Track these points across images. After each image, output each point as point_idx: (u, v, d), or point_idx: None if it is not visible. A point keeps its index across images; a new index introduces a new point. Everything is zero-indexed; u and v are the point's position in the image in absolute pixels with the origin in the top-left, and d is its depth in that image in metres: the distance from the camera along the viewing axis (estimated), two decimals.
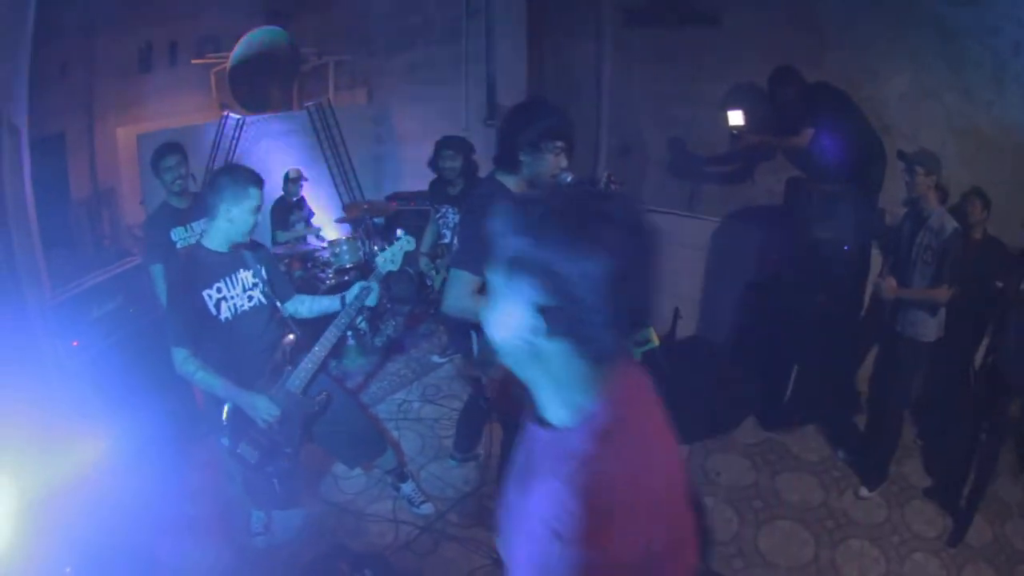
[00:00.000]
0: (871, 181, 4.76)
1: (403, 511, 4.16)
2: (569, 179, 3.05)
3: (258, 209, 3.14)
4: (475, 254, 2.95)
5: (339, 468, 4.41)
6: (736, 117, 5.04)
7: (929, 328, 3.90)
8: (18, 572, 2.66)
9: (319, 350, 3.28)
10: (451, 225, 5.08)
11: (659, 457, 1.39)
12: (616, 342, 1.30)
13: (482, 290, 2.95)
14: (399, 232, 4.46)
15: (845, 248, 4.69)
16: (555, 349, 1.27)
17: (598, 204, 1.25)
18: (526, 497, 1.38)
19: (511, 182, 3.07)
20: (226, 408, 3.20)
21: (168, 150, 4.28)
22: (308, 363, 3.28)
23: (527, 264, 1.23)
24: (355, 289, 3.35)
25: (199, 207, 4.14)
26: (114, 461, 3.31)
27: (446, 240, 5.11)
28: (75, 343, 4.16)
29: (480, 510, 4.16)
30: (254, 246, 3.38)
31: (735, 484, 4.44)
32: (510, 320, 1.29)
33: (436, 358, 5.87)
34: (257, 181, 3.15)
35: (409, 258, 5.02)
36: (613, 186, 3.64)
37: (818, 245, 4.60)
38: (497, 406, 3.32)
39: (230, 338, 3.17)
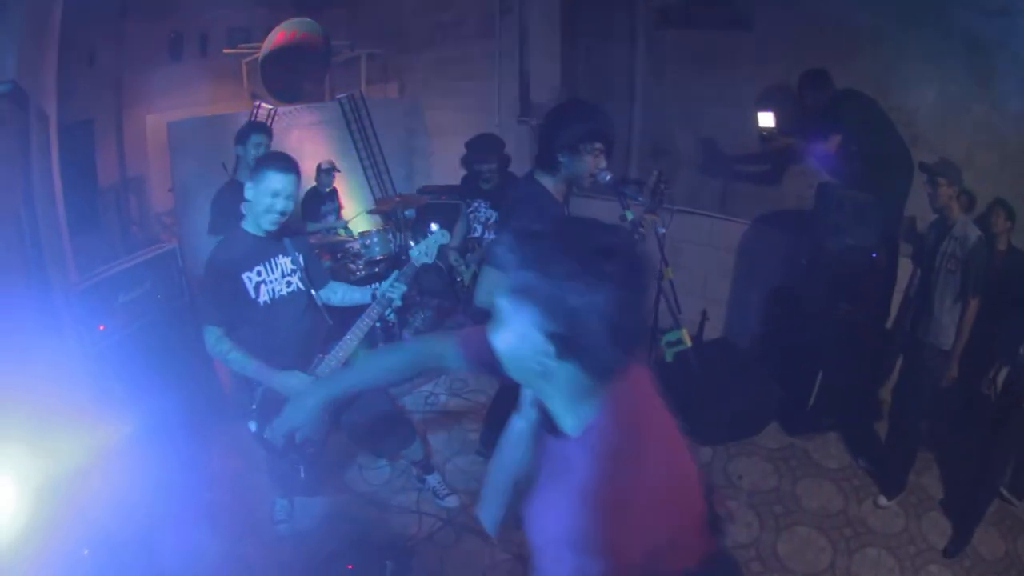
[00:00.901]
0: (897, 190, 4.72)
1: (427, 503, 4.18)
2: (608, 178, 3.07)
3: (276, 193, 3.10)
4: None
5: (364, 458, 4.45)
6: (767, 119, 5.03)
7: (952, 335, 3.89)
8: (37, 552, 2.68)
9: (351, 338, 3.28)
10: (483, 220, 5.07)
11: (660, 455, 1.52)
12: (618, 358, 1.39)
13: None
14: (433, 226, 4.48)
15: (873, 256, 4.66)
16: (562, 368, 1.36)
17: (601, 238, 1.35)
18: (544, 505, 1.49)
19: (550, 183, 3.10)
20: (259, 392, 3.21)
21: (258, 128, 4.68)
22: (339, 351, 3.28)
23: (534, 294, 1.31)
24: (385, 284, 3.36)
25: None
26: (136, 446, 3.33)
27: (476, 234, 5.09)
28: (101, 327, 4.19)
29: None
30: (292, 233, 3.40)
31: (757, 488, 4.44)
32: (520, 343, 1.37)
33: None
34: (278, 165, 3.13)
35: (439, 252, 5.06)
36: (663, 186, 3.65)
37: (846, 252, 4.57)
38: None
39: (266, 322, 3.19)
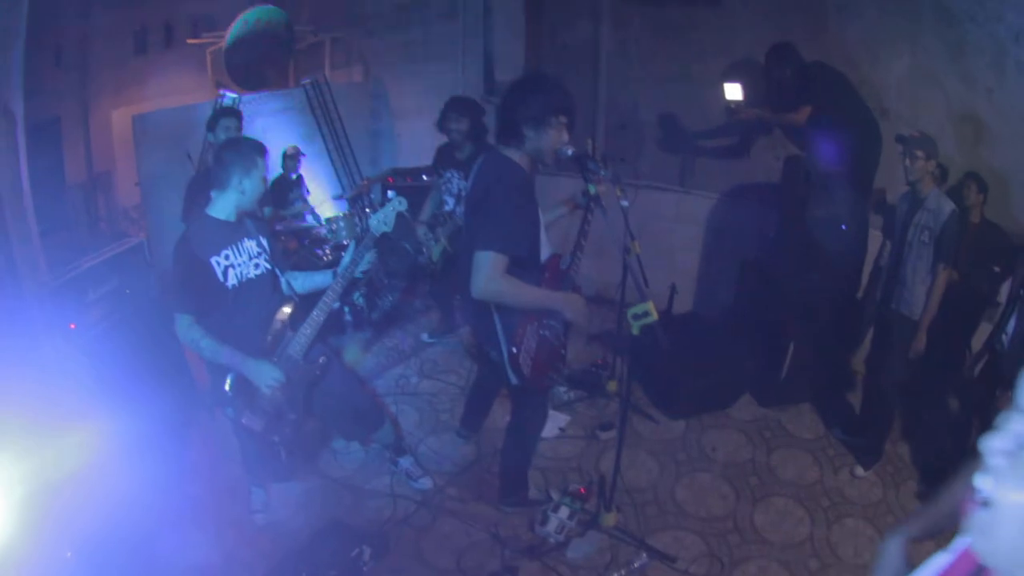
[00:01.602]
0: (866, 162, 4.75)
1: (401, 485, 4.18)
2: (570, 152, 3.06)
3: (263, 180, 3.21)
4: (502, 231, 2.97)
5: (338, 443, 4.45)
6: (734, 91, 5.00)
7: (918, 305, 3.92)
8: (19, 557, 2.67)
9: (317, 314, 3.30)
10: (455, 191, 4.96)
11: None
12: None
13: (509, 270, 2.97)
14: (390, 193, 4.40)
15: (843, 228, 4.70)
16: None
17: None
18: None
19: (516, 156, 3.08)
20: (229, 378, 3.21)
21: (228, 112, 4.68)
22: (307, 328, 3.30)
23: None
24: (347, 258, 3.37)
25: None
26: (112, 443, 3.31)
27: (448, 207, 5.00)
28: (72, 326, 4.16)
29: (478, 484, 4.19)
30: (254, 216, 3.42)
31: (731, 460, 4.48)
32: None
33: (425, 337, 5.79)
34: (262, 150, 3.23)
35: (405, 233, 4.99)
36: (596, 152, 3.66)
37: (815, 224, 4.61)
38: (529, 381, 3.31)
39: (236, 305, 3.20)
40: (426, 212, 5.19)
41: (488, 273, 2.92)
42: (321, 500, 4.06)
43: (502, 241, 2.92)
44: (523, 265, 3.04)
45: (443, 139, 5.06)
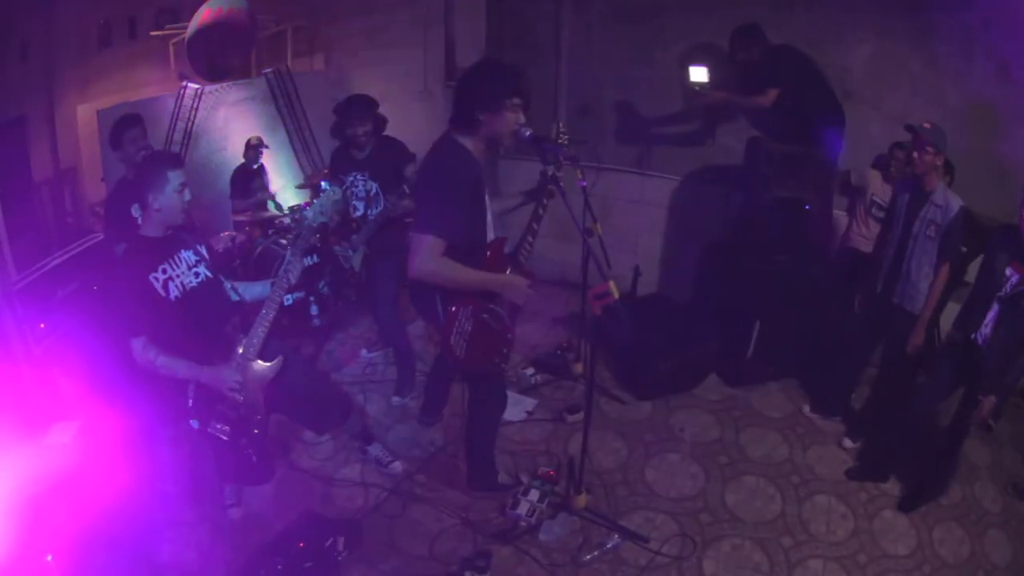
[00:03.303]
0: (830, 144, 4.78)
1: (372, 473, 4.20)
2: (528, 134, 3.07)
3: (183, 187, 3.13)
4: (440, 215, 2.97)
5: (308, 435, 4.43)
6: (699, 74, 5.01)
7: (922, 300, 3.96)
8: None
9: (267, 312, 3.29)
10: (362, 195, 4.60)
11: None
12: None
13: (447, 252, 2.98)
14: (323, 184, 4.29)
15: (806, 208, 4.74)
16: None
17: None
18: None
19: (468, 143, 3.08)
20: (190, 390, 3.20)
21: (128, 122, 4.24)
22: (259, 328, 3.29)
23: None
24: (286, 259, 3.39)
25: None
26: (86, 443, 3.30)
27: (359, 213, 4.63)
28: (42, 325, 4.13)
29: (448, 470, 4.21)
30: (188, 227, 3.39)
31: (699, 440, 4.52)
32: None
33: (365, 353, 5.53)
34: (175, 163, 3.17)
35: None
36: (562, 138, 3.66)
37: (778, 205, 4.65)
38: (464, 364, 3.35)
39: (183, 316, 3.16)
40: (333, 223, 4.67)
41: (422, 255, 2.94)
42: (293, 492, 4.06)
43: (437, 224, 2.94)
44: (464, 249, 3.06)
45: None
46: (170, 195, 3.09)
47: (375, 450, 4.20)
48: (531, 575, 3.57)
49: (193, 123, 6.22)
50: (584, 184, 3.40)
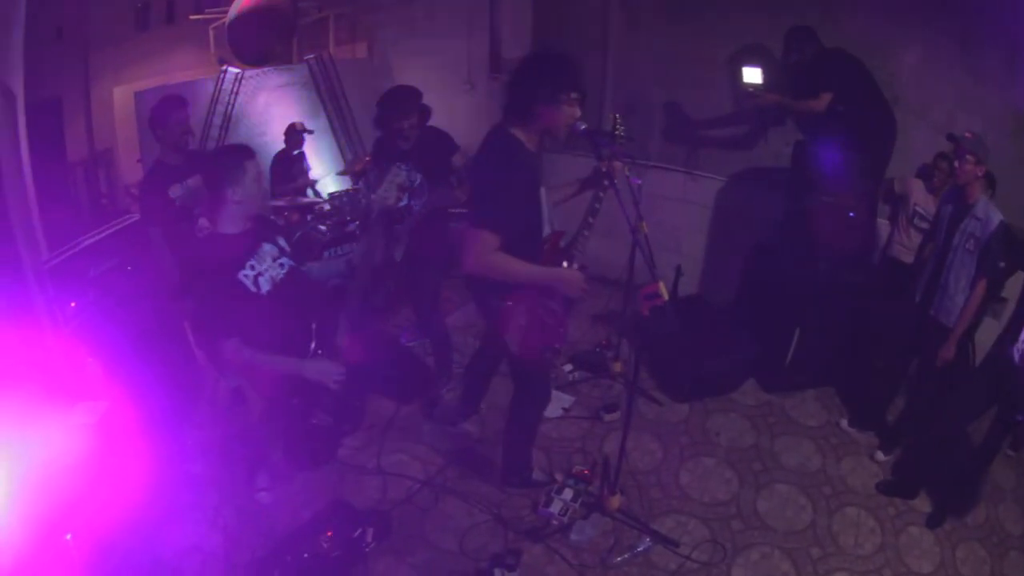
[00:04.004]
0: (879, 151, 4.70)
1: (405, 465, 4.18)
2: (583, 128, 3.02)
3: (260, 175, 3.12)
4: (496, 209, 2.94)
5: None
6: (753, 75, 4.93)
7: (956, 313, 3.88)
8: (18, 539, 2.64)
9: (351, 300, 3.27)
10: (406, 186, 4.41)
11: None
12: None
13: (504, 247, 2.94)
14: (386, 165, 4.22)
15: (850, 215, 4.66)
16: None
17: None
18: None
19: (522, 134, 3.03)
20: (291, 384, 3.18)
21: (172, 103, 4.23)
22: (345, 316, 3.27)
23: None
24: (360, 246, 3.34)
25: (193, 164, 4.15)
26: (114, 423, 3.28)
27: (402, 204, 4.51)
28: (72, 304, 4.12)
29: (482, 464, 4.18)
30: (263, 221, 3.36)
31: (735, 445, 4.47)
32: None
33: (404, 340, 5.47)
34: (248, 154, 3.12)
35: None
36: (619, 130, 3.59)
37: (823, 210, 4.57)
38: (519, 358, 3.31)
39: (275, 310, 3.13)
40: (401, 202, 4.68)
41: (477, 250, 2.92)
42: (325, 480, 4.02)
43: (493, 218, 2.91)
44: (520, 243, 3.01)
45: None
46: (249, 186, 3.04)
47: (440, 411, 4.29)
48: (560, 575, 3.53)
49: (233, 107, 6.25)
50: (639, 182, 3.33)
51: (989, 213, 3.70)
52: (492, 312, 3.24)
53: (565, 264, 3.25)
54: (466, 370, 4.50)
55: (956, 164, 3.74)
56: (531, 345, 3.27)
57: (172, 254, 4.12)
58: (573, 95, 2.96)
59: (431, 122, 4.76)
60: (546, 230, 3.23)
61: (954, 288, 3.86)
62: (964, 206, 3.81)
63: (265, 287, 3.10)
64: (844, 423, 4.64)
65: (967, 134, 3.71)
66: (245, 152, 3.12)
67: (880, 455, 4.35)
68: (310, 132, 6.23)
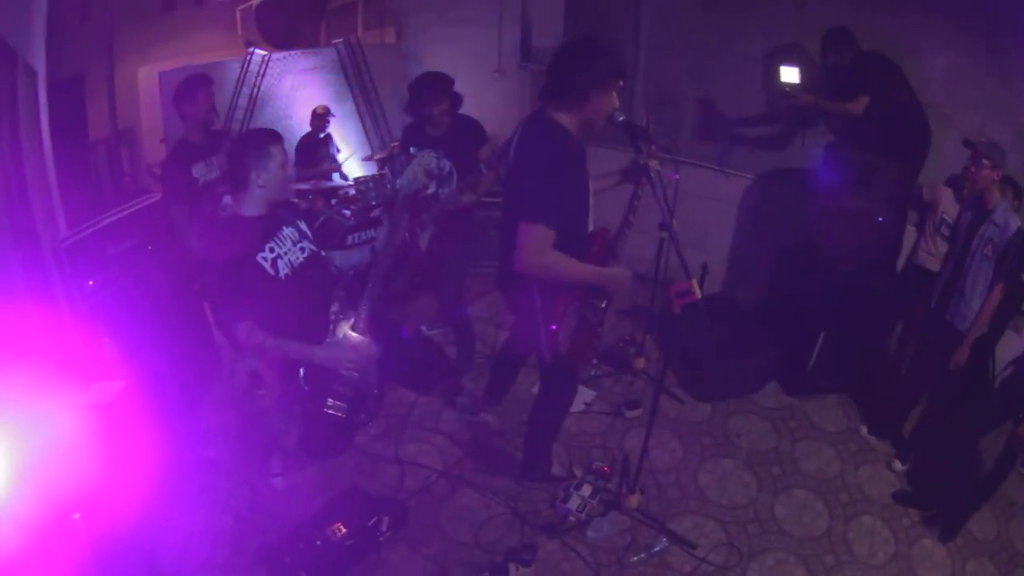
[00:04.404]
0: (913, 157, 4.64)
1: (423, 454, 4.18)
2: (621, 119, 2.95)
3: (285, 162, 3.09)
4: (550, 202, 2.84)
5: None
6: (790, 74, 4.87)
7: (971, 318, 3.84)
8: (27, 517, 2.61)
9: (372, 287, 3.23)
10: (435, 173, 4.33)
11: None
12: None
13: (556, 244, 2.85)
14: (412, 149, 4.16)
15: (879, 220, 4.60)
16: None
17: None
18: None
19: (566, 120, 2.94)
20: (301, 372, 3.16)
21: (197, 82, 4.24)
22: (366, 302, 3.23)
23: None
24: (383, 233, 3.30)
25: (216, 143, 4.21)
26: (128, 403, 3.26)
27: (430, 191, 4.37)
28: (90, 283, 4.11)
29: (501, 456, 4.16)
30: (285, 204, 3.34)
31: (755, 447, 4.43)
32: None
33: (424, 329, 5.47)
34: (275, 138, 3.10)
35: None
36: (651, 128, 3.53)
37: (853, 214, 4.52)
38: (566, 360, 3.23)
39: (293, 294, 3.11)
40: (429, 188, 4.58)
41: (533, 247, 2.80)
42: (341, 467, 4.01)
43: (547, 212, 2.79)
44: (569, 239, 2.91)
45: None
46: (275, 171, 3.02)
47: (463, 399, 4.28)
48: (575, 572, 3.51)
49: (259, 89, 6.26)
50: (677, 177, 3.27)
51: (1007, 219, 3.68)
52: (536, 313, 3.11)
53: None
54: (495, 361, 4.47)
55: (972, 169, 3.72)
56: (579, 347, 3.22)
57: (194, 232, 4.13)
58: (620, 82, 2.90)
59: (462, 109, 4.68)
60: (591, 225, 3.16)
61: (971, 293, 3.83)
62: (983, 212, 3.79)
63: (283, 270, 3.07)
64: (863, 430, 4.59)
65: (982, 139, 3.70)
66: (272, 136, 3.10)
67: (897, 464, 4.30)
68: (333, 116, 6.22)
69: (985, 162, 3.63)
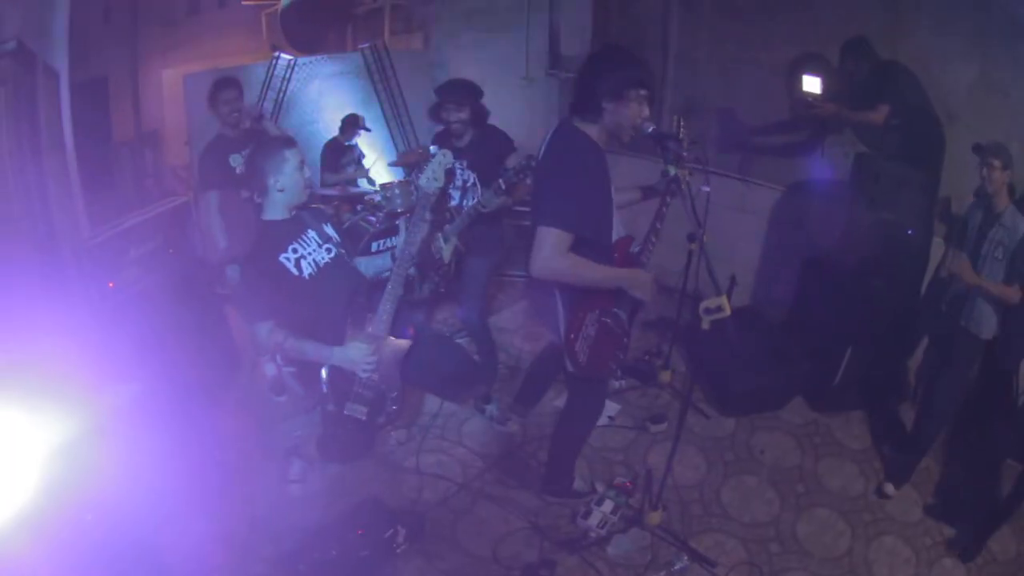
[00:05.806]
0: (931, 167, 4.59)
1: (444, 465, 4.14)
2: (651, 129, 2.91)
3: (302, 165, 3.10)
4: (567, 207, 2.80)
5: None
6: (812, 84, 4.85)
7: (990, 325, 3.78)
8: (40, 518, 2.63)
9: (392, 288, 3.19)
10: (459, 184, 4.38)
11: None
12: None
13: (573, 248, 2.81)
14: (432, 148, 4.12)
15: (909, 232, 4.53)
16: None
17: None
18: None
19: (592, 131, 2.91)
20: (323, 372, 3.14)
21: (226, 84, 4.45)
22: (387, 303, 3.18)
23: None
24: (403, 234, 3.27)
25: (251, 139, 4.31)
26: (146, 405, 3.27)
27: (453, 202, 4.40)
28: (111, 284, 4.11)
29: (521, 469, 4.12)
30: (310, 208, 3.36)
31: (779, 464, 4.36)
32: None
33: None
34: (289, 143, 3.13)
35: None
36: (682, 131, 3.49)
37: (882, 226, 4.45)
38: (585, 370, 3.18)
39: (316, 294, 3.12)
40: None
41: (549, 251, 2.75)
42: (359, 476, 3.99)
43: (567, 218, 2.75)
44: (591, 245, 2.88)
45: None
46: (291, 174, 3.04)
47: (492, 408, 4.27)
48: None
49: (285, 94, 6.27)
50: (708, 189, 3.22)
51: (1016, 221, 3.64)
52: (557, 321, 3.12)
53: None
54: (529, 368, 4.45)
55: (984, 172, 3.68)
56: (599, 357, 3.17)
57: (224, 220, 4.27)
58: (642, 92, 2.85)
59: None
60: (616, 233, 3.11)
61: (983, 297, 3.77)
62: (992, 214, 3.75)
63: (308, 270, 3.09)
64: (889, 488, 4.36)
65: (988, 141, 3.68)
66: (286, 141, 3.15)
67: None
68: (368, 130, 6.23)
69: (996, 163, 3.61)
